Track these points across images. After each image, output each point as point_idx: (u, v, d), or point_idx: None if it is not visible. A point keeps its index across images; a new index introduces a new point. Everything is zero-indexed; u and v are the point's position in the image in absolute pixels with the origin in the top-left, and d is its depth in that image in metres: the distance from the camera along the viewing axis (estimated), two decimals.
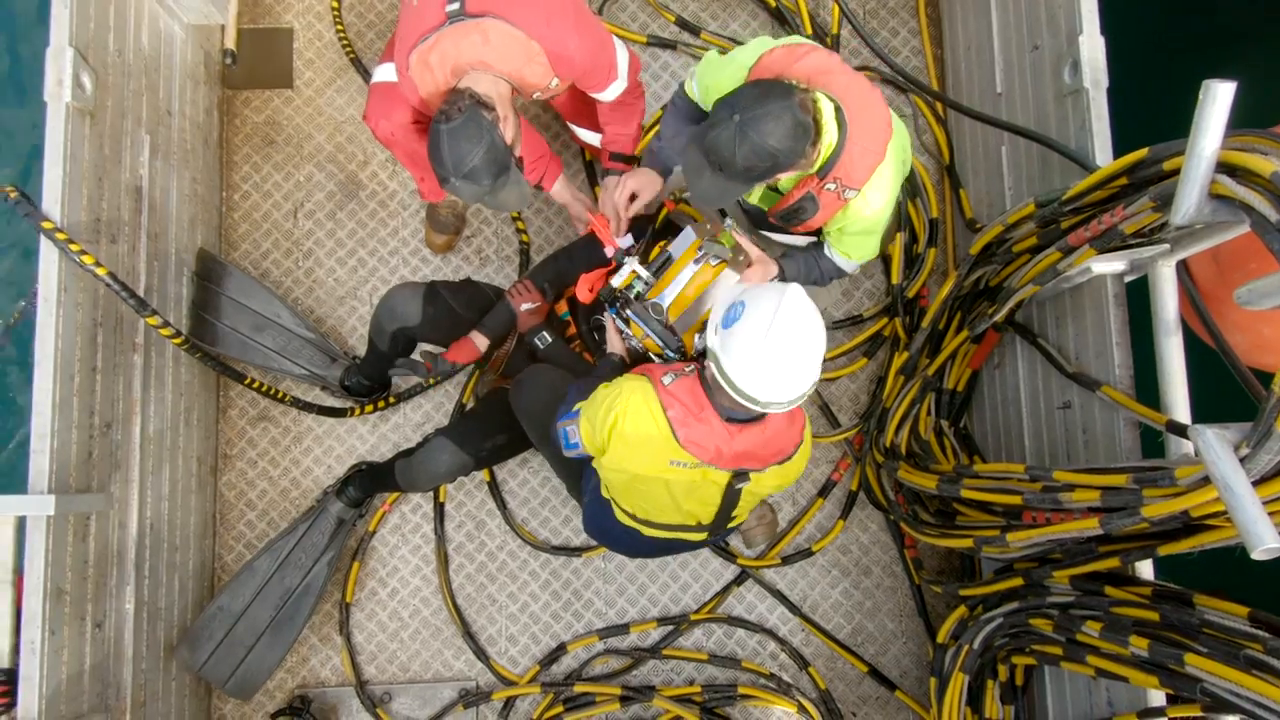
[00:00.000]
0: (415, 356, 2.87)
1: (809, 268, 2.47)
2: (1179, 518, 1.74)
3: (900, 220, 3.09)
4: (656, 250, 2.60)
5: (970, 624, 2.50)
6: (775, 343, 1.81)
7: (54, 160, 2.24)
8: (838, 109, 2.08)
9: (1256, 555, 1.53)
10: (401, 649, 3.01)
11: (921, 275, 3.05)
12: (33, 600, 2.13)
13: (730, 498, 2.17)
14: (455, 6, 2.17)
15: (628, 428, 2.03)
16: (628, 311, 2.46)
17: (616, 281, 2.52)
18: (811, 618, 3.04)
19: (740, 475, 2.10)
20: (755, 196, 2.44)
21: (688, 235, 2.54)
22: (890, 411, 2.82)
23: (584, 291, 2.61)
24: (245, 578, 2.80)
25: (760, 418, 2.01)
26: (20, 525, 2.20)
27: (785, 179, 2.18)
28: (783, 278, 2.44)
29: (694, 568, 3.08)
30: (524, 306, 2.63)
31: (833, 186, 2.14)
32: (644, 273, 2.51)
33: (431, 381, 3.07)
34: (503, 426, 2.62)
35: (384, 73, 2.52)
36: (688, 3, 3.35)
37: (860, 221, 2.25)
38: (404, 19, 2.32)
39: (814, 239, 2.51)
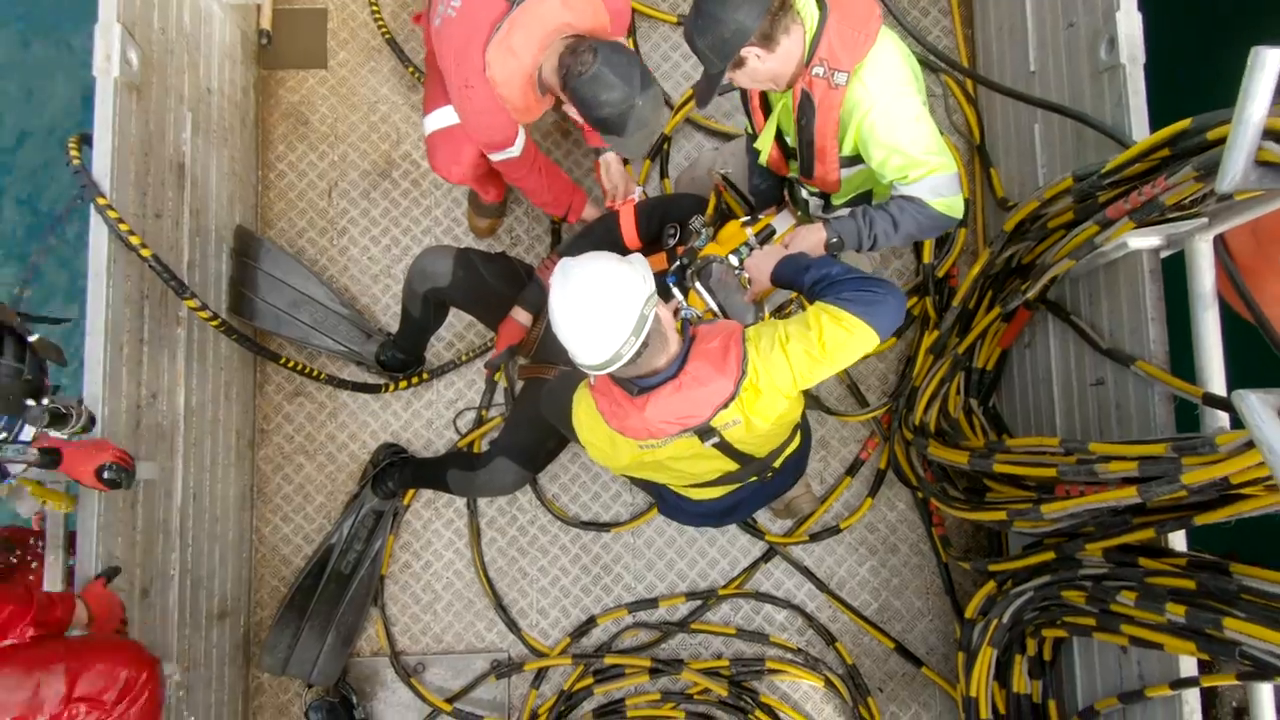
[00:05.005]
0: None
1: (868, 223, 2.18)
2: (1217, 485, 1.76)
3: None
4: (762, 223, 2.39)
5: (999, 599, 2.52)
6: (563, 304, 1.80)
7: (103, 134, 2.28)
8: None
9: None
10: (435, 620, 3.06)
11: (951, 255, 3.06)
12: (85, 566, 2.18)
13: (726, 451, 2.02)
14: None
15: (587, 437, 2.09)
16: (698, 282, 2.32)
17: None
18: (839, 594, 3.06)
19: (704, 433, 1.95)
20: (767, 141, 2.33)
21: (786, 217, 2.46)
22: (919, 390, 2.83)
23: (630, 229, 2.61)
24: (301, 587, 2.94)
25: (673, 376, 1.87)
26: None
27: (762, 71, 2.06)
28: (834, 243, 2.23)
29: (721, 544, 3.11)
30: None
31: (820, 71, 2.03)
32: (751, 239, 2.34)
33: (465, 359, 3.13)
34: (552, 429, 2.61)
35: (440, 119, 2.57)
36: None
37: (873, 120, 2.03)
38: (449, 35, 2.34)
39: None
